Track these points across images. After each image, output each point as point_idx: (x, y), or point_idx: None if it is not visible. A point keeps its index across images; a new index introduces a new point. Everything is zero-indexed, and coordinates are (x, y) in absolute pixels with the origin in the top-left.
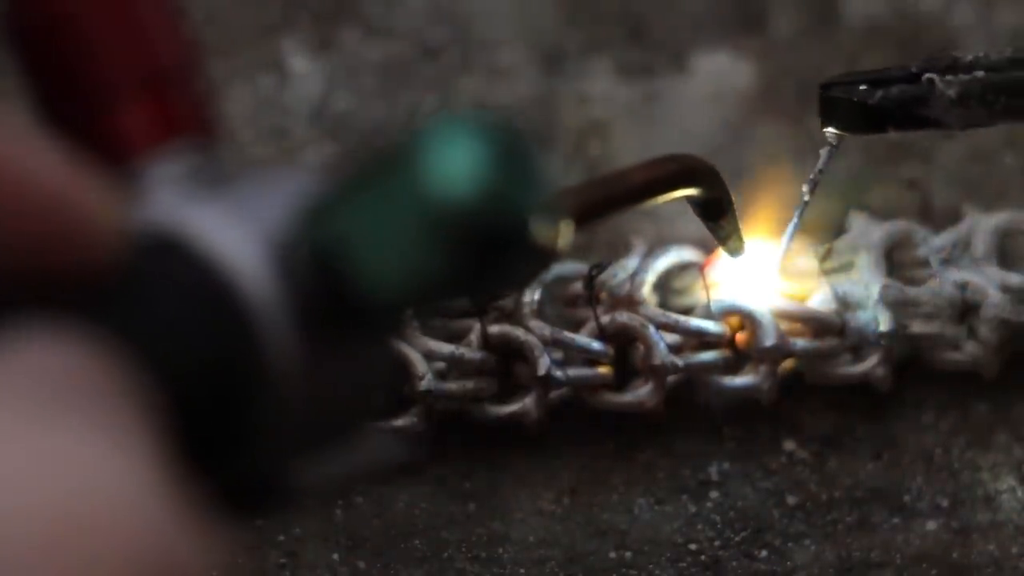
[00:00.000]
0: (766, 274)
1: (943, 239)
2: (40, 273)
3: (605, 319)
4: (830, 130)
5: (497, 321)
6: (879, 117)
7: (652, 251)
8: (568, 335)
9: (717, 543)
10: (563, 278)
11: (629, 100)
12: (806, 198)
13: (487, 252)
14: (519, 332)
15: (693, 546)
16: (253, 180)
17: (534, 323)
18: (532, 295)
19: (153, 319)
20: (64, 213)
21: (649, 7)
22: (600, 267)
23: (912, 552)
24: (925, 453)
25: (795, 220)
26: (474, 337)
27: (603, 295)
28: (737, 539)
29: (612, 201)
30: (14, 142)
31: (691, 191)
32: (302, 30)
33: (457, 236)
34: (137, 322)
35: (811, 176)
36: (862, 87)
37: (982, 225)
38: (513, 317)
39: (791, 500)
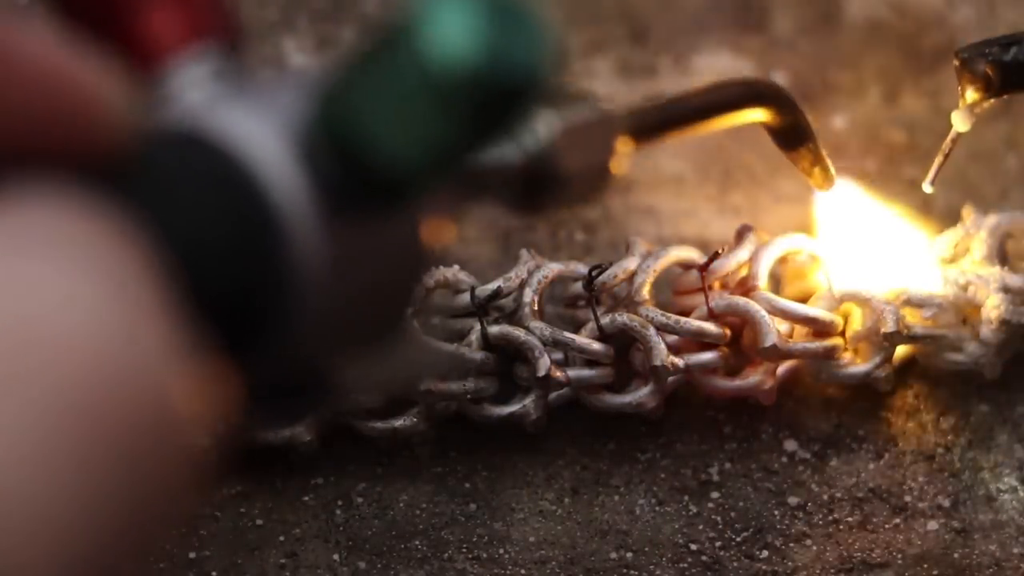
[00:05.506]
0: (881, 258)
1: (945, 239)
2: (47, 151)
3: (605, 320)
4: (969, 94)
5: (497, 321)
6: (1016, 75)
7: (652, 251)
8: (568, 336)
9: (718, 543)
10: (563, 278)
11: (630, 100)
12: (929, 188)
13: (494, 107)
14: (519, 332)
15: (694, 546)
16: (271, 80)
17: (534, 324)
18: (532, 295)
19: (172, 201)
20: (63, 90)
21: (650, 7)
22: (600, 268)
23: (913, 552)
24: (926, 453)
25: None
26: (474, 337)
27: (603, 296)
28: (738, 539)
29: (673, 123)
30: (7, 24)
31: (761, 115)
32: (302, 29)
33: (463, 96)
34: (155, 200)
35: (938, 159)
36: (994, 48)
37: (983, 226)
38: (513, 317)
39: (792, 500)
